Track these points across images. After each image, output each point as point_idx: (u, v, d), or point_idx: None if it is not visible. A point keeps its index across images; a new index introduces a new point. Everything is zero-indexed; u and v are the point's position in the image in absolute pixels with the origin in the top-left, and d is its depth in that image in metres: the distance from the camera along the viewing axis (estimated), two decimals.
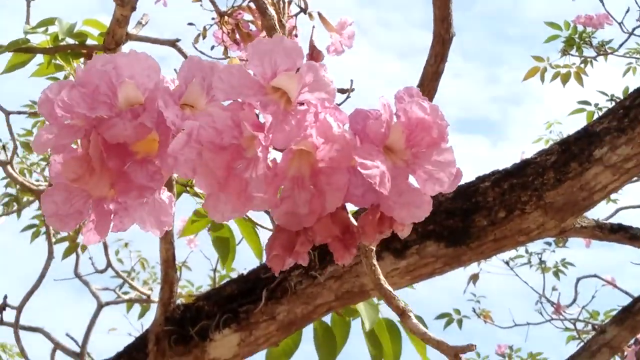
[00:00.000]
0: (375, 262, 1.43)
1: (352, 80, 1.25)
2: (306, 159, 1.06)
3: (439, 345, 1.37)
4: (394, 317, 3.08)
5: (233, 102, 1.06)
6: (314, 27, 2.78)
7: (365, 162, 1.01)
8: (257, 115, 1.05)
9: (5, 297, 4.18)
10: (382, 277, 1.45)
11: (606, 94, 6.49)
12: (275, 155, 1.06)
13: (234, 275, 6.30)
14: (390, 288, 1.42)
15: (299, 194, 1.05)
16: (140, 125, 1.12)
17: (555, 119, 7.66)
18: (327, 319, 3.11)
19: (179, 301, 3.18)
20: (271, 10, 1.63)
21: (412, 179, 1.08)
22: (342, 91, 1.39)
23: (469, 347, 1.33)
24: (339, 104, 1.18)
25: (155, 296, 5.59)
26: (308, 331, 3.10)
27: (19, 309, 4.23)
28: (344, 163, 1.04)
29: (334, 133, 1.03)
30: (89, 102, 1.13)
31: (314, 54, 2.56)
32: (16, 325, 4.29)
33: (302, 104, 1.05)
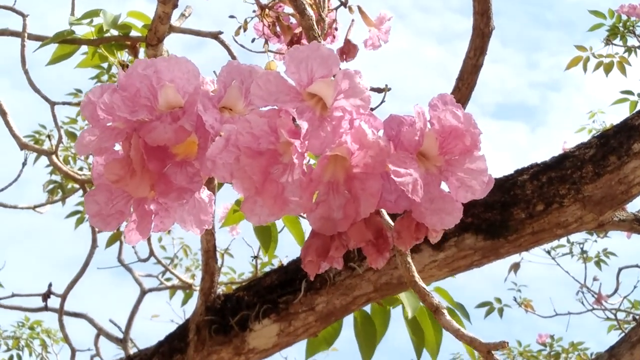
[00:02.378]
0: (409, 259, 1.44)
1: (387, 85, 1.27)
2: (341, 164, 1.08)
3: (472, 342, 1.38)
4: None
5: (270, 109, 1.08)
6: (352, 21, 2.81)
7: (398, 170, 1.03)
8: (294, 120, 1.08)
9: (50, 284, 4.23)
10: (416, 274, 1.47)
11: None
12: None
13: (275, 262, 6.33)
14: (424, 285, 1.43)
15: (333, 198, 1.08)
16: (180, 129, 1.14)
17: (598, 108, 7.60)
18: (367, 307, 3.12)
19: (219, 291, 3.21)
20: (310, 11, 1.65)
21: (444, 186, 1.10)
22: (377, 90, 1.40)
23: (502, 345, 1.33)
24: (375, 107, 1.20)
25: (198, 283, 5.64)
26: (349, 318, 3.12)
27: (64, 297, 4.27)
28: (378, 169, 1.06)
29: (368, 140, 1.05)
30: (130, 106, 1.15)
31: (348, 48, 2.58)
32: (61, 313, 4.34)
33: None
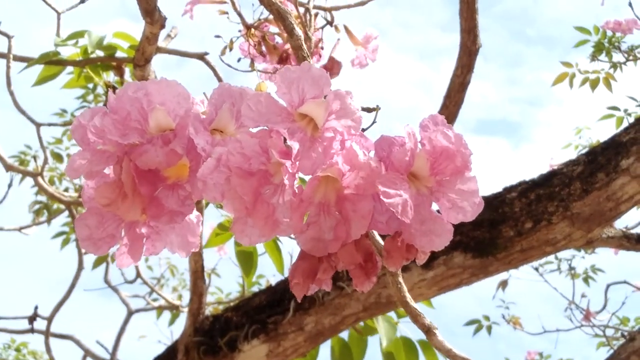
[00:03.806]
0: (401, 279, 1.44)
1: (378, 105, 1.26)
2: (332, 185, 1.08)
3: None
4: (412, 336, 3.10)
5: (261, 129, 1.08)
6: (338, 40, 2.81)
7: (388, 191, 1.03)
8: (285, 141, 1.07)
9: (36, 307, 4.20)
10: (407, 294, 1.46)
11: (635, 100, 6.43)
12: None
13: (262, 281, 6.32)
14: (415, 306, 1.43)
15: (324, 220, 1.07)
16: (171, 152, 1.14)
17: (582, 123, 7.61)
18: (345, 335, 3.12)
19: (208, 311, 3.20)
20: (298, 30, 1.64)
21: (435, 207, 1.10)
22: (368, 110, 1.40)
23: None
24: (367, 128, 1.20)
25: (185, 303, 5.61)
26: (325, 347, 3.12)
27: (50, 320, 4.24)
28: (369, 190, 1.06)
29: (359, 161, 1.05)
30: (120, 129, 1.15)
31: (332, 65, 2.58)
32: (47, 335, 4.31)
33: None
